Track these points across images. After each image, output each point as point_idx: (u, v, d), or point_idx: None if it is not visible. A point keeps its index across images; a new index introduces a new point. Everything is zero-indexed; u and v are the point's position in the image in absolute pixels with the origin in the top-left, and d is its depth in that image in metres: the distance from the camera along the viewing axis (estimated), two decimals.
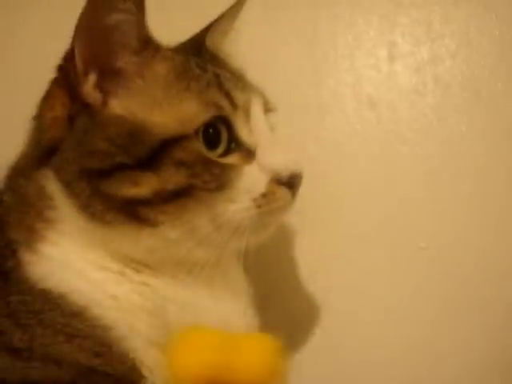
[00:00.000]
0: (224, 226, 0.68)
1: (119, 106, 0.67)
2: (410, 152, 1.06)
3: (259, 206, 0.69)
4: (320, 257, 1.06)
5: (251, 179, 0.69)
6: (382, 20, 1.09)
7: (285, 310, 1.04)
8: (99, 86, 0.68)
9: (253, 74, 0.86)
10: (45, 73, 0.72)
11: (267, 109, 0.77)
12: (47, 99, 0.72)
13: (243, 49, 0.94)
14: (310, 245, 1.05)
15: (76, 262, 0.68)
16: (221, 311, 0.73)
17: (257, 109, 0.73)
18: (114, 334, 0.64)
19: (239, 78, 0.76)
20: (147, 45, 0.69)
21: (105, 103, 0.68)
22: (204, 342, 0.49)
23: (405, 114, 1.07)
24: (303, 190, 1.00)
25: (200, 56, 0.75)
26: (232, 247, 0.71)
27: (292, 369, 0.96)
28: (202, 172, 0.66)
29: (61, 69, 0.70)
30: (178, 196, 0.65)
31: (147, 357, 0.65)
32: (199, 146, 0.67)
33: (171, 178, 0.65)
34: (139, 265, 0.69)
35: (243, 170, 0.69)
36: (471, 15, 1.05)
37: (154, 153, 0.65)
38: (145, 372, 0.65)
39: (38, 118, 0.73)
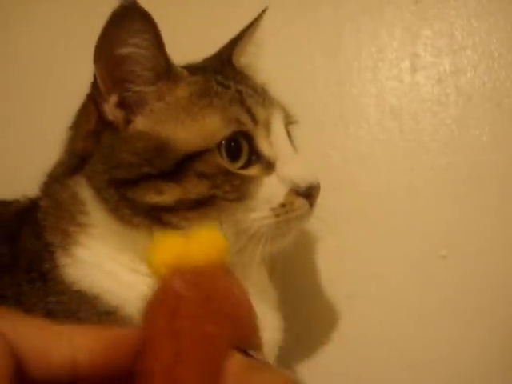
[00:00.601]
0: (244, 233, 0.71)
1: (142, 123, 0.71)
2: (432, 161, 1.07)
3: (278, 215, 0.72)
4: (341, 264, 1.09)
5: (270, 190, 0.72)
6: (404, 32, 1.11)
7: (306, 315, 1.07)
8: (121, 105, 0.72)
9: (277, 86, 0.90)
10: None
11: (289, 122, 0.80)
12: (83, 112, 0.76)
13: (267, 61, 0.97)
14: (331, 252, 1.08)
15: (108, 264, 0.72)
16: None
17: (277, 123, 0.76)
18: None
19: (261, 94, 0.78)
20: (165, 75, 0.72)
21: (128, 121, 0.72)
22: (168, 242, 0.55)
23: (427, 124, 1.08)
24: (326, 198, 1.03)
25: (223, 72, 0.78)
26: (252, 253, 0.73)
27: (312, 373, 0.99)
28: (222, 183, 0.69)
29: (92, 88, 0.74)
30: (200, 205, 0.69)
31: None
32: (220, 159, 0.70)
33: (193, 188, 0.68)
34: None
35: (263, 181, 0.72)
36: (493, 27, 1.06)
37: (178, 165, 0.69)
38: None
39: (74, 128, 0.77)
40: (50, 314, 0.68)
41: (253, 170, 0.73)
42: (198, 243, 0.47)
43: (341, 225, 1.04)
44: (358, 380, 1.06)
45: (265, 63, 0.97)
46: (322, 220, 1.00)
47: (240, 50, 0.87)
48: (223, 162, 0.70)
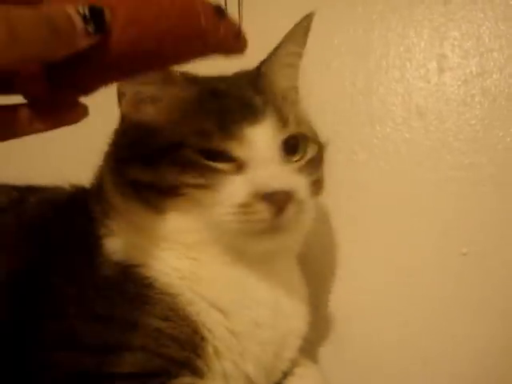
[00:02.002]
0: (215, 225, 0.76)
1: (140, 115, 0.80)
2: (456, 161, 1.09)
3: (236, 214, 0.74)
4: (363, 260, 1.11)
5: (233, 187, 0.74)
6: (432, 33, 1.12)
7: (327, 309, 1.11)
8: (131, 102, 0.80)
9: (305, 83, 0.93)
10: None
11: (283, 125, 0.80)
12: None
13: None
14: (356, 246, 1.10)
15: (140, 240, 0.80)
16: (273, 297, 0.83)
17: (263, 131, 0.77)
18: (180, 299, 0.76)
19: (250, 107, 0.79)
20: (166, 78, 0.78)
21: (130, 112, 0.81)
22: None
23: (452, 124, 1.10)
24: (352, 195, 1.06)
25: (226, 81, 0.84)
26: (239, 247, 0.79)
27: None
28: (191, 173, 0.74)
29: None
30: (170, 192, 0.75)
31: (209, 319, 0.77)
32: (191, 151, 0.75)
33: (165, 175, 0.75)
34: (195, 241, 0.79)
35: (229, 178, 0.75)
36: None
37: (156, 153, 0.76)
38: (205, 334, 0.76)
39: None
40: (97, 287, 0.75)
41: (221, 165, 0.75)
42: None
43: (366, 222, 1.06)
44: (379, 373, 1.09)
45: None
46: (349, 216, 1.03)
47: (287, 56, 0.88)
48: (196, 152, 0.75)
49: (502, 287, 1.06)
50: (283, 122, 0.80)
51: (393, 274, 1.10)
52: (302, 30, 0.86)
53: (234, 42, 0.60)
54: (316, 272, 0.95)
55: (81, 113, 0.59)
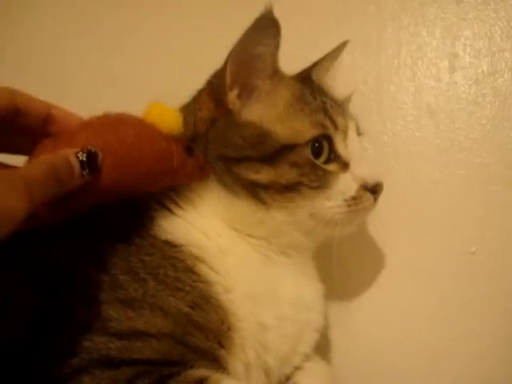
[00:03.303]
0: (319, 217, 0.85)
1: (251, 114, 0.86)
2: (466, 160, 1.10)
3: (349, 206, 0.85)
4: (371, 255, 1.12)
5: (345, 184, 0.86)
6: (444, 32, 1.13)
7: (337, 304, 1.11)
8: (239, 97, 0.86)
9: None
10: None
11: (358, 133, 0.93)
12: (196, 103, 0.90)
13: (310, 54, 0.99)
14: (364, 244, 1.11)
15: (196, 223, 0.84)
16: (296, 291, 0.88)
17: (352, 131, 0.90)
18: (215, 289, 0.80)
19: (340, 106, 0.92)
20: (277, 72, 0.88)
21: (241, 110, 0.86)
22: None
23: (462, 123, 1.11)
24: None
25: (310, 86, 0.91)
26: (324, 236, 0.89)
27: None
28: (309, 172, 0.83)
29: (210, 83, 0.89)
30: (287, 189, 0.83)
31: (241, 309, 0.80)
32: (308, 153, 0.84)
33: (285, 174, 0.83)
34: (247, 236, 0.86)
35: (339, 177, 0.86)
36: None
37: (275, 153, 0.83)
38: (234, 324, 0.79)
39: (186, 111, 0.87)
40: (131, 272, 0.78)
41: (331, 166, 0.86)
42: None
43: (374, 219, 1.06)
44: (386, 371, 1.09)
45: (307, 59, 0.99)
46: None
47: (321, 69, 0.99)
48: (310, 156, 0.84)
49: (511, 286, 1.06)
50: (356, 120, 0.94)
51: (400, 272, 1.10)
52: (336, 51, 1.01)
53: (198, 174, 0.82)
54: (324, 269, 0.96)
55: None
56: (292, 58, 0.88)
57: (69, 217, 0.71)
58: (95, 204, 0.72)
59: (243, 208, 0.85)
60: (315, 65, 0.99)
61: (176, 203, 0.85)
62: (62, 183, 0.64)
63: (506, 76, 1.09)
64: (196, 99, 0.91)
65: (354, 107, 0.99)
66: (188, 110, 0.89)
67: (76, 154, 0.66)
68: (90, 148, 0.68)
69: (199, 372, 0.73)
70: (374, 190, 0.88)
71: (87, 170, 0.67)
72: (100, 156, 0.68)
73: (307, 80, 0.94)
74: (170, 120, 0.77)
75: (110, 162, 0.69)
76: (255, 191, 0.83)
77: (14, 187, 0.57)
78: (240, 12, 0.85)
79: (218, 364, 0.78)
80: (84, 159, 0.66)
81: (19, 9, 1.34)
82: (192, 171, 0.80)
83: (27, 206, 0.57)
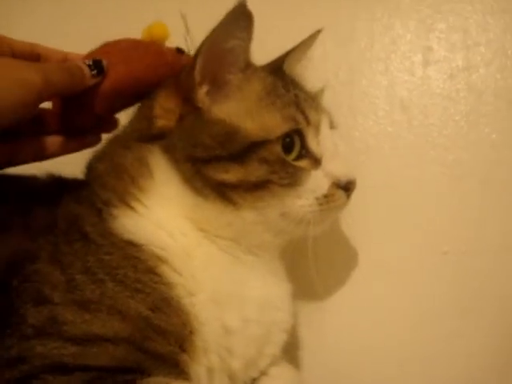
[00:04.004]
0: (290, 217, 0.82)
1: (221, 111, 0.82)
2: (439, 156, 1.07)
3: (321, 204, 0.82)
4: (342, 256, 1.09)
5: (316, 181, 0.82)
6: (419, 24, 1.10)
7: (309, 307, 1.08)
8: (208, 94, 0.82)
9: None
10: None
11: (331, 127, 0.90)
12: (162, 95, 0.85)
13: (279, 45, 0.96)
14: (332, 243, 1.07)
15: (161, 223, 0.81)
16: (264, 291, 0.85)
17: (325, 126, 0.87)
18: (177, 291, 0.76)
19: (313, 100, 0.89)
20: (249, 66, 0.84)
21: (210, 108, 0.82)
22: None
23: (436, 119, 1.08)
24: None
25: (283, 78, 0.88)
26: (295, 235, 0.86)
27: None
28: (279, 170, 0.79)
29: (179, 77, 0.84)
30: (256, 187, 0.79)
31: (204, 312, 0.77)
32: (279, 149, 0.80)
33: (254, 171, 0.79)
34: (214, 237, 0.83)
35: (310, 173, 0.82)
36: (508, 25, 1.06)
37: (244, 150, 0.79)
38: (196, 327, 0.76)
39: (149, 107, 0.85)
40: (89, 272, 0.74)
41: (303, 163, 0.82)
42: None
43: (344, 217, 1.03)
44: (356, 377, 1.06)
45: (277, 48, 0.96)
46: None
47: (293, 59, 0.97)
48: (281, 152, 0.80)
49: (482, 286, 1.04)
50: (329, 114, 0.90)
51: (371, 271, 1.08)
52: (309, 41, 0.98)
53: None
54: (293, 267, 0.92)
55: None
56: (263, 50, 0.86)
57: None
58: (111, 105, 0.85)
59: (211, 210, 0.81)
60: (287, 55, 0.95)
61: (141, 202, 0.82)
62: (75, 78, 0.79)
63: (481, 71, 1.07)
64: (163, 91, 0.86)
65: (324, 101, 0.96)
66: (153, 101, 0.86)
67: (83, 61, 0.81)
68: (94, 58, 0.82)
69: (157, 380, 0.70)
70: (347, 187, 0.85)
71: (95, 71, 0.81)
72: (104, 61, 0.82)
73: (279, 71, 0.91)
74: (158, 31, 0.88)
75: (115, 62, 0.83)
76: (224, 192, 0.80)
77: (33, 68, 0.74)
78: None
79: (179, 369, 0.74)
80: (91, 63, 0.81)
81: (19, 8, 1.29)
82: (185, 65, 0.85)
83: (43, 83, 0.72)
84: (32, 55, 0.85)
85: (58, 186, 0.88)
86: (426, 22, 1.09)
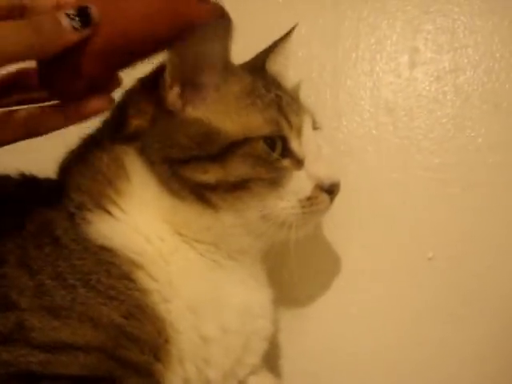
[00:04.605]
0: (271, 219, 0.79)
1: (197, 111, 0.78)
2: (425, 160, 1.05)
3: (303, 207, 0.79)
4: (327, 260, 1.07)
5: (299, 183, 0.80)
6: (405, 25, 1.08)
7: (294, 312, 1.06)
8: (181, 95, 0.78)
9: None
10: None
11: (314, 127, 0.87)
12: (135, 95, 0.82)
13: (264, 45, 0.94)
14: (317, 247, 1.06)
15: (138, 227, 0.78)
16: (245, 297, 0.82)
17: (307, 127, 0.84)
18: (152, 298, 0.73)
19: (295, 100, 0.87)
20: (227, 67, 0.80)
21: (184, 109, 0.78)
22: None
23: (422, 121, 1.06)
24: None
25: (264, 78, 0.86)
26: (276, 239, 0.82)
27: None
28: (259, 168, 0.77)
29: (149, 78, 0.81)
30: (236, 187, 0.76)
31: (180, 320, 0.74)
32: (262, 144, 0.77)
33: (233, 171, 0.76)
34: (193, 241, 0.80)
35: (293, 174, 0.79)
36: (496, 27, 1.04)
37: (224, 150, 0.76)
38: (172, 336, 0.73)
39: (122, 107, 0.81)
40: (59, 277, 0.71)
41: (285, 162, 0.79)
42: None
43: (327, 220, 1.01)
44: (335, 378, 1.05)
45: (261, 48, 0.94)
46: None
47: (272, 58, 0.94)
48: (264, 146, 0.77)
49: (469, 291, 1.03)
50: (312, 115, 0.88)
51: (354, 277, 1.06)
52: (285, 37, 0.95)
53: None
54: (274, 273, 0.90)
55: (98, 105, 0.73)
56: (247, 50, 0.85)
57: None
58: (111, 65, 0.70)
59: (190, 213, 0.78)
60: (266, 52, 0.93)
61: (118, 206, 0.78)
62: (45, 34, 0.63)
63: (468, 73, 1.05)
64: (135, 90, 0.83)
65: (308, 102, 0.93)
66: (126, 101, 0.82)
67: (64, 12, 0.65)
68: (79, 4, 0.66)
69: None
70: (331, 190, 0.82)
71: (78, 22, 0.65)
72: (93, 9, 0.66)
73: (261, 71, 0.89)
74: None
75: (113, 10, 0.67)
76: (203, 194, 0.77)
77: None
78: None
79: (154, 379, 0.72)
80: (71, 12, 0.65)
81: None
82: (208, 17, 0.70)
83: None
84: (14, 8, 0.68)
85: (30, 185, 0.85)
86: (412, 23, 1.08)
